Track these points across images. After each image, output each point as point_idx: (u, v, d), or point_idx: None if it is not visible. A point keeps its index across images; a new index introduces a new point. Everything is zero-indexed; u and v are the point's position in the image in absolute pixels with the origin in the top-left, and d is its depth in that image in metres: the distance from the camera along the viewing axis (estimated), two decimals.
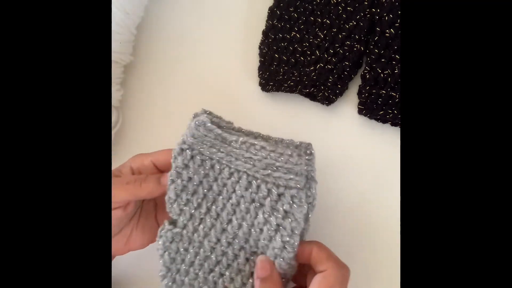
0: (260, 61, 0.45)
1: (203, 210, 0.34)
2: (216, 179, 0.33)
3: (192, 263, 0.34)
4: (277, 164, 0.30)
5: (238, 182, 0.32)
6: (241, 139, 0.32)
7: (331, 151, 0.41)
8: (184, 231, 0.34)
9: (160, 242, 0.34)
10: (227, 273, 0.33)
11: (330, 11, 0.43)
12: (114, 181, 0.33)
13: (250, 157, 0.31)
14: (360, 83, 0.41)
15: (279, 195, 0.31)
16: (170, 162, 0.34)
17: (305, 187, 0.31)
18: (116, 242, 0.36)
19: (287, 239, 0.31)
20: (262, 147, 0.31)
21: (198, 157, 0.33)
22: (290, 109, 0.44)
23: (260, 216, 0.32)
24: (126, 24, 0.44)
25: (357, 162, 0.41)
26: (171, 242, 0.34)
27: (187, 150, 0.33)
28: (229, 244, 0.33)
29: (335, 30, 0.42)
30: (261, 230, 0.32)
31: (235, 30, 0.48)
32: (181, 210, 0.34)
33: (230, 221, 0.33)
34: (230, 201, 0.33)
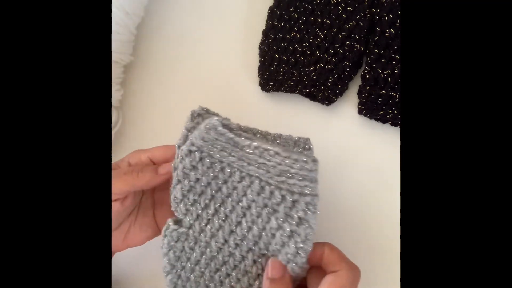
0: (260, 61, 0.45)
1: (211, 211, 0.33)
2: (225, 182, 0.32)
3: (198, 262, 0.34)
4: (292, 170, 0.29)
5: (249, 186, 0.31)
6: (254, 144, 0.30)
7: (331, 151, 0.41)
8: (190, 231, 0.34)
9: (165, 241, 0.34)
10: (233, 274, 0.33)
11: (330, 11, 0.43)
12: (112, 173, 0.33)
13: (264, 163, 0.30)
14: (360, 83, 0.41)
15: (294, 202, 0.30)
16: (166, 158, 0.34)
17: None
18: (114, 238, 0.36)
19: (301, 245, 0.30)
20: (276, 153, 0.30)
21: (207, 160, 0.32)
22: (290, 109, 0.44)
23: (273, 221, 0.31)
24: (126, 24, 0.44)
25: (357, 162, 0.40)
26: (176, 242, 0.34)
27: (196, 152, 0.32)
28: (237, 245, 0.33)
29: (335, 30, 0.42)
30: (273, 235, 0.31)
31: (235, 30, 0.48)
32: (187, 210, 0.33)
33: (239, 223, 0.32)
34: (240, 204, 0.32)
